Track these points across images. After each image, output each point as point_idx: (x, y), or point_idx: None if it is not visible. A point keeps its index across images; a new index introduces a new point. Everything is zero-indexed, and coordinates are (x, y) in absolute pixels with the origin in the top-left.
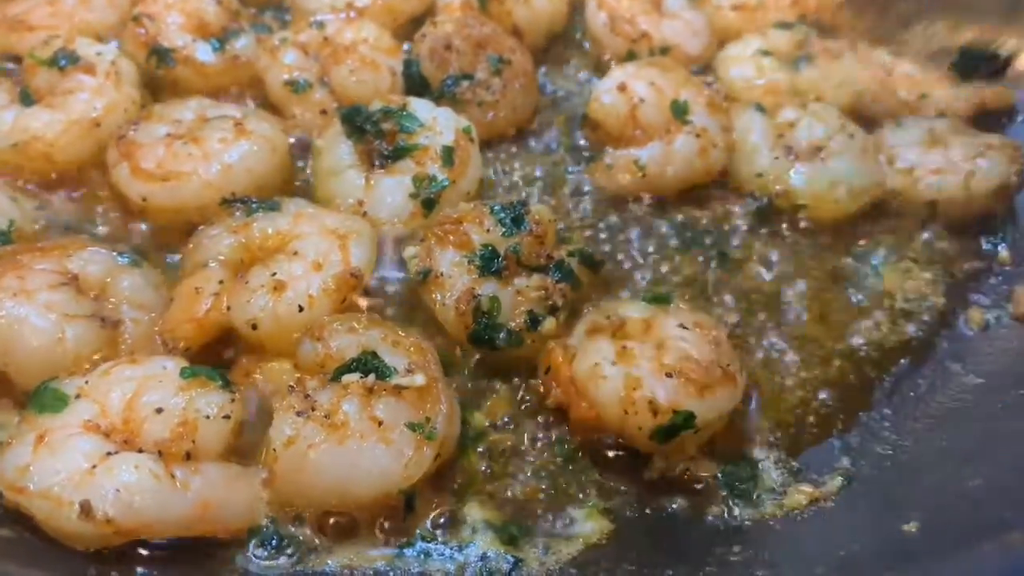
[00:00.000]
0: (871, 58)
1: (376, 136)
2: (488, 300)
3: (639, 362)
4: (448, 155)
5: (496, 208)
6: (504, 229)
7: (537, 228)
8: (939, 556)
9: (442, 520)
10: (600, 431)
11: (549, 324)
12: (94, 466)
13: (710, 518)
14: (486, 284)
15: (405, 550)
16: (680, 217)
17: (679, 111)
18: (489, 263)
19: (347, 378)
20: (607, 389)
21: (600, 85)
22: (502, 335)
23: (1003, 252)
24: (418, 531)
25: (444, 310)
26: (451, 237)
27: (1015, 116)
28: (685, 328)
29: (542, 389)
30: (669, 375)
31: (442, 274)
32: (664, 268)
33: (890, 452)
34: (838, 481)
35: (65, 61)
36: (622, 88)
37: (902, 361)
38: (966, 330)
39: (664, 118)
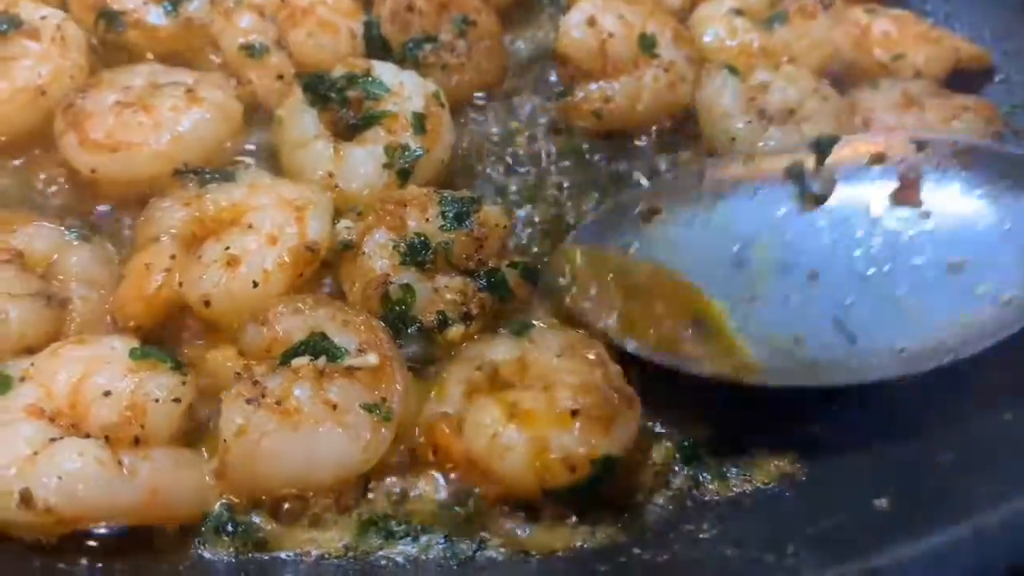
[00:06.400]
0: (846, 17)
1: (341, 104)
2: (399, 289)
3: (537, 417)
4: (419, 122)
5: (445, 198)
6: (444, 223)
7: (479, 230)
8: (910, 534)
9: (403, 502)
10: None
11: (455, 331)
12: (36, 452)
13: (677, 494)
14: (404, 273)
15: (365, 533)
16: None
17: (647, 45)
18: (415, 253)
19: (297, 362)
20: (514, 460)
21: (568, 19)
22: (412, 328)
23: None
24: (378, 514)
25: (353, 289)
26: (388, 218)
27: (991, 76)
28: (562, 357)
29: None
30: (574, 417)
31: (364, 252)
32: None
33: (862, 423)
34: (809, 453)
35: (7, 25)
36: (591, 22)
37: None
38: None
39: (633, 52)
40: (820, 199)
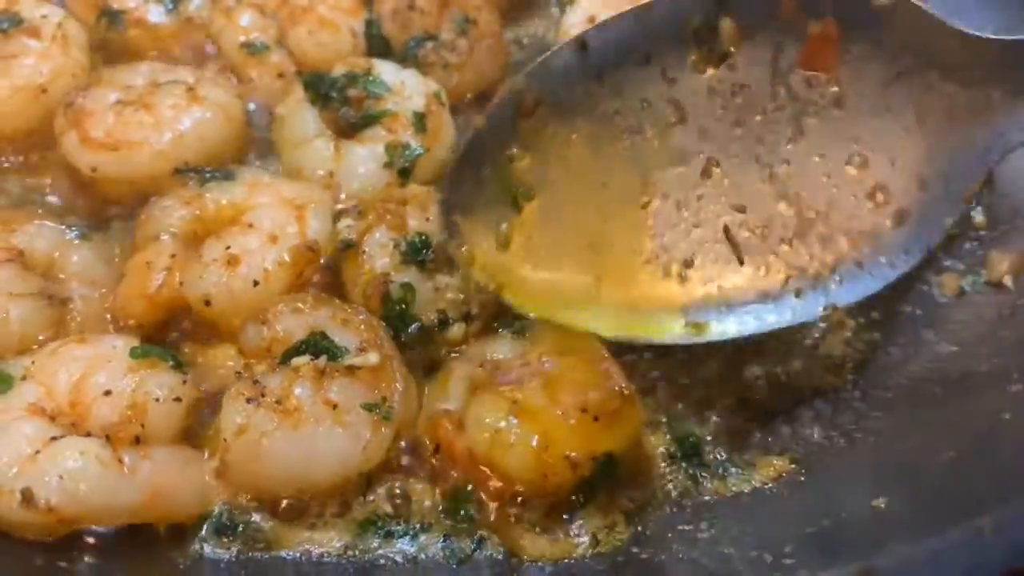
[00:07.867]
0: None
1: (342, 103)
2: (399, 288)
3: (540, 414)
4: (420, 121)
5: None
6: None
7: None
8: (908, 535)
9: (402, 501)
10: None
11: (457, 330)
12: (37, 452)
13: (675, 494)
14: (404, 272)
15: (364, 532)
16: None
17: None
18: (415, 252)
19: (297, 361)
20: (516, 457)
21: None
22: (412, 327)
23: (978, 217)
24: (378, 512)
25: (354, 288)
26: (388, 217)
27: None
28: (562, 355)
29: (435, 463)
30: (575, 415)
31: (364, 251)
32: None
33: (860, 423)
34: (807, 453)
35: (8, 24)
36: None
37: (873, 330)
38: (940, 297)
39: None
40: (722, 56)
